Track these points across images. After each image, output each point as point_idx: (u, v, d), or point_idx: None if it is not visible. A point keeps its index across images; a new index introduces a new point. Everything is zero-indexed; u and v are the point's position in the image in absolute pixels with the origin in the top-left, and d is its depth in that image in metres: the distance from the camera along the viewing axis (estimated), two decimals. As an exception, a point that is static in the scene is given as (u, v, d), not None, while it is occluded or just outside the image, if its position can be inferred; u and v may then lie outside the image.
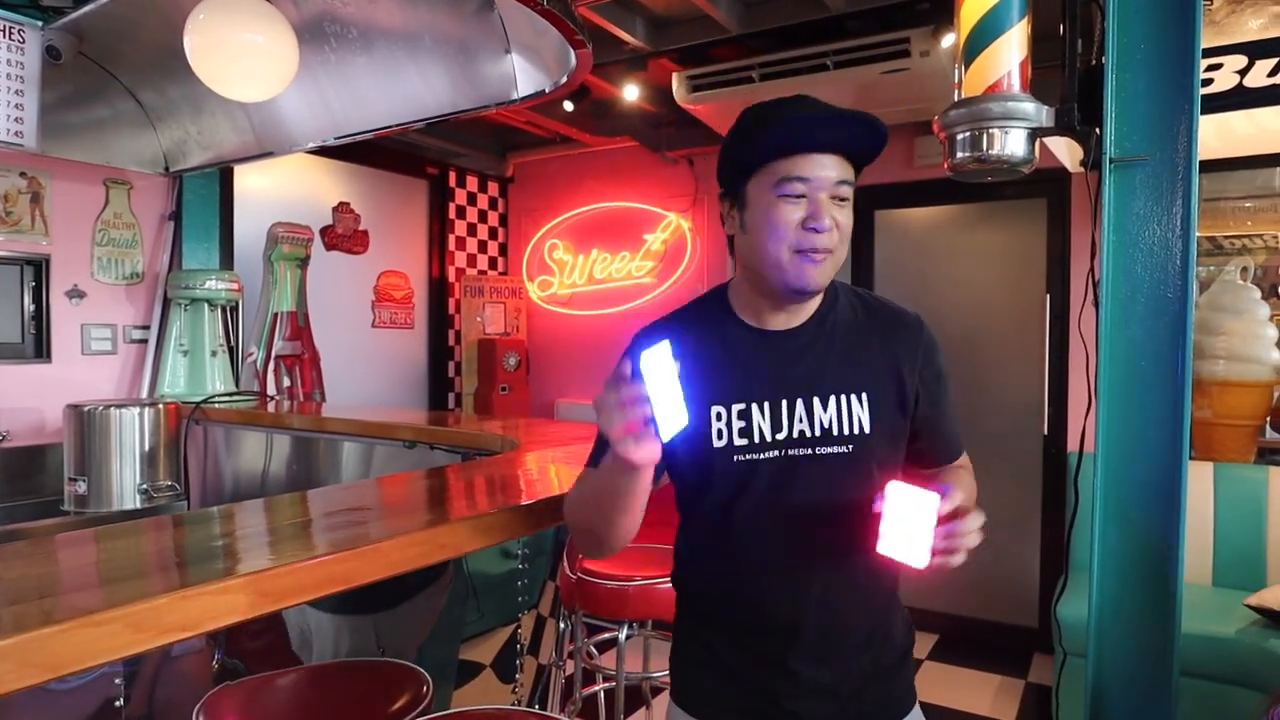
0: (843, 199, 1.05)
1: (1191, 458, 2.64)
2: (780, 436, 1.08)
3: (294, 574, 0.90)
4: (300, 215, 3.76)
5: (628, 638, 2.14)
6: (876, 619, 1.15)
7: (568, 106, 3.90)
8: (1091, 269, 1.56)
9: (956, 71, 1.66)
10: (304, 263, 3.62)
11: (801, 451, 1.08)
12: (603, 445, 1.06)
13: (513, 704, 1.76)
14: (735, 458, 1.08)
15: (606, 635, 2.38)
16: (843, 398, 1.10)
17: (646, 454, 0.92)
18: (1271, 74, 1.58)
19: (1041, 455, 3.67)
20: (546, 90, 2.05)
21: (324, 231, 4.09)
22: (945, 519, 0.92)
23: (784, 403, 1.09)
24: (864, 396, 1.11)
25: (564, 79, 1.98)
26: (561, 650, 2.18)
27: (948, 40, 2.89)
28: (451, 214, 4.68)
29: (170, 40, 2.13)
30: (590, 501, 1.10)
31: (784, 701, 1.11)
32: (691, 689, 1.17)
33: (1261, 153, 2.98)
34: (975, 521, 0.94)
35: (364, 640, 1.64)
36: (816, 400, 1.09)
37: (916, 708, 1.20)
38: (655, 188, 4.51)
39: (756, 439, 1.08)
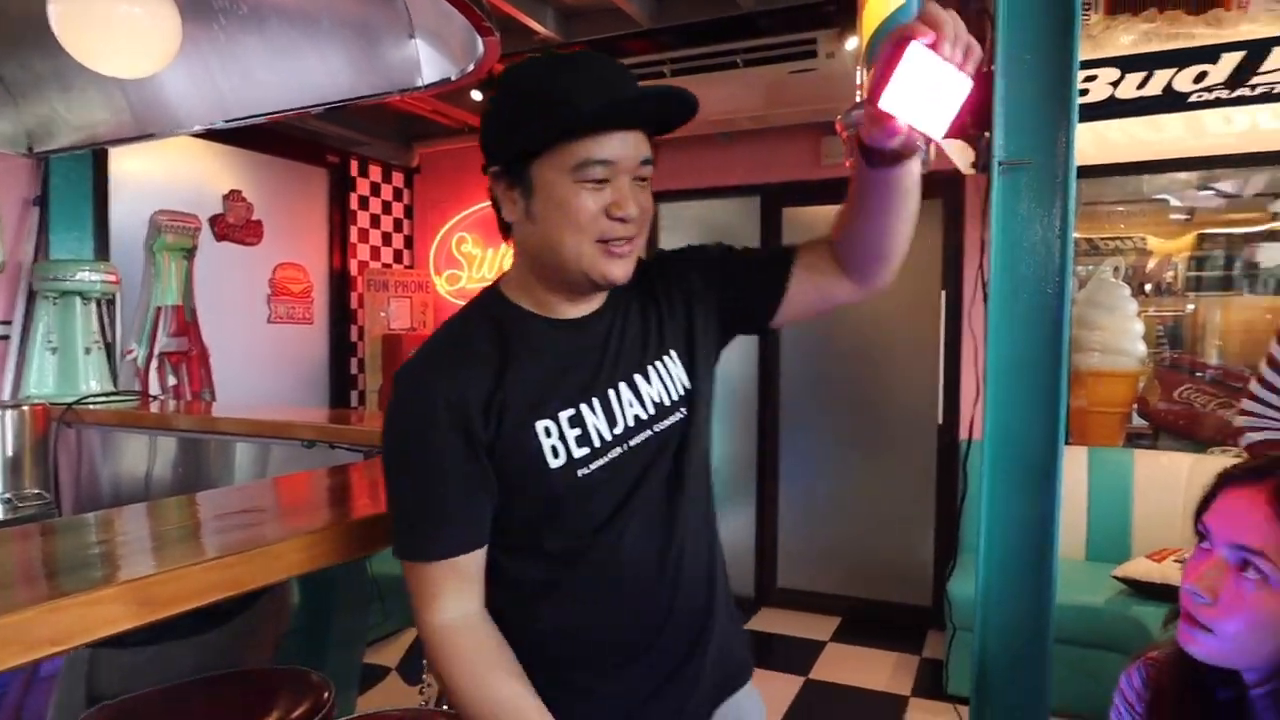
0: (644, 179, 0.93)
1: (1068, 443, 2.83)
2: (617, 431, 0.96)
3: (178, 580, 0.84)
4: (187, 203, 3.54)
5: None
6: (724, 579, 1.09)
7: (476, 96, 3.82)
8: (981, 267, 1.64)
9: (858, 73, 1.71)
10: (190, 253, 3.41)
11: (641, 437, 0.97)
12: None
13: (420, 705, 1.72)
14: (579, 471, 0.93)
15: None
16: (659, 365, 1.01)
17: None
18: (1140, 86, 1.70)
19: (936, 444, 3.85)
20: (452, 78, 1.99)
21: (213, 220, 3.86)
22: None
23: (611, 392, 0.97)
24: (674, 354, 1.03)
25: (470, 67, 1.93)
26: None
27: (852, 43, 2.98)
28: (354, 204, 4.50)
29: (34, 7, 1.96)
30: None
31: (686, 704, 1.00)
32: None
33: (1132, 160, 3.22)
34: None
35: (257, 648, 1.57)
36: (639, 378, 0.99)
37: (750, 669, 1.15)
38: (565, 181, 4.48)
39: (596, 443, 0.94)
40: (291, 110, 2.40)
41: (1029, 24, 1.58)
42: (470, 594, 0.94)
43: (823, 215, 4.23)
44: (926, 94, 0.78)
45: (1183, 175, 3.73)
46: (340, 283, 4.45)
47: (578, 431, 0.93)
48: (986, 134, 1.64)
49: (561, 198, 0.89)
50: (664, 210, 4.47)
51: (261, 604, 1.58)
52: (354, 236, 4.51)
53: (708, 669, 1.02)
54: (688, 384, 1.02)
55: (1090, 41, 1.83)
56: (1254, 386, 1.49)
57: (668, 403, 1.00)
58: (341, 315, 4.46)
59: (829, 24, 3.02)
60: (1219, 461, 3.15)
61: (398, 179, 4.80)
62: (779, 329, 1.13)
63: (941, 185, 3.65)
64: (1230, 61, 1.61)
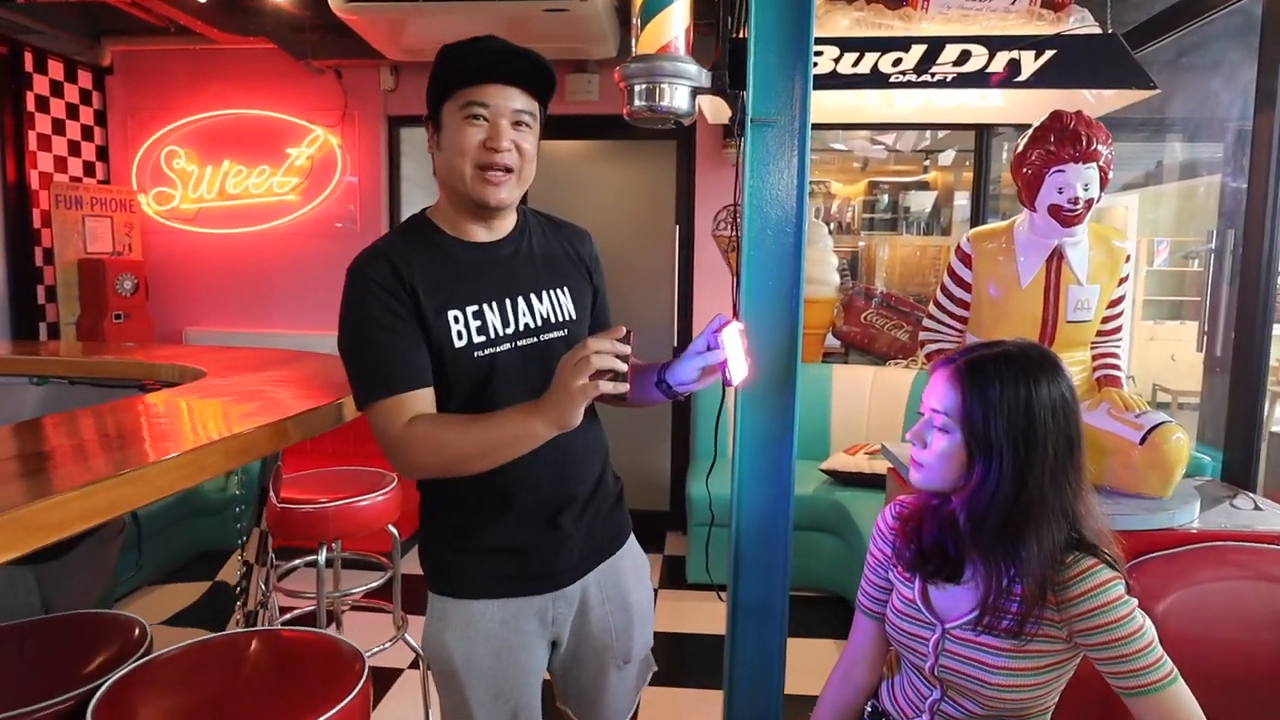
0: (523, 124, 1.22)
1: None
2: (509, 330, 1.23)
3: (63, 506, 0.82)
4: None
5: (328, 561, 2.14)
6: (598, 470, 1.38)
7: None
8: (735, 207, 1.92)
9: (634, 28, 1.88)
10: None
11: (529, 341, 1.25)
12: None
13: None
14: (475, 354, 1.20)
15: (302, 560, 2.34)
16: (552, 292, 1.30)
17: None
18: (854, 65, 2.07)
19: (671, 365, 4.30)
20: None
21: None
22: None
23: (508, 300, 1.24)
24: (566, 289, 1.32)
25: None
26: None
27: (604, -10, 3.12)
28: (31, 105, 3.77)
29: None
30: (492, 448, 1.12)
31: (554, 559, 1.29)
32: (465, 576, 1.27)
33: (839, 121, 3.76)
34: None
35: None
36: (533, 296, 1.27)
37: (631, 536, 1.49)
38: (298, 98, 4.15)
39: (492, 334, 1.21)
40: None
41: (775, 3, 1.84)
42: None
43: (563, 148, 4.40)
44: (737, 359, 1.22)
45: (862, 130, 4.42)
46: (19, 197, 3.73)
47: (479, 323, 1.20)
48: (742, 93, 1.90)
49: (454, 130, 1.18)
50: (405, 134, 4.34)
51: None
52: (33, 143, 3.78)
53: (583, 526, 1.32)
54: (573, 314, 1.31)
55: (817, 22, 2.17)
56: (931, 308, 1.94)
57: (553, 321, 1.28)
58: (21, 235, 3.75)
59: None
60: (895, 372, 3.94)
61: (84, 78, 4.08)
62: None
63: (675, 130, 3.98)
64: (918, 52, 2.03)
